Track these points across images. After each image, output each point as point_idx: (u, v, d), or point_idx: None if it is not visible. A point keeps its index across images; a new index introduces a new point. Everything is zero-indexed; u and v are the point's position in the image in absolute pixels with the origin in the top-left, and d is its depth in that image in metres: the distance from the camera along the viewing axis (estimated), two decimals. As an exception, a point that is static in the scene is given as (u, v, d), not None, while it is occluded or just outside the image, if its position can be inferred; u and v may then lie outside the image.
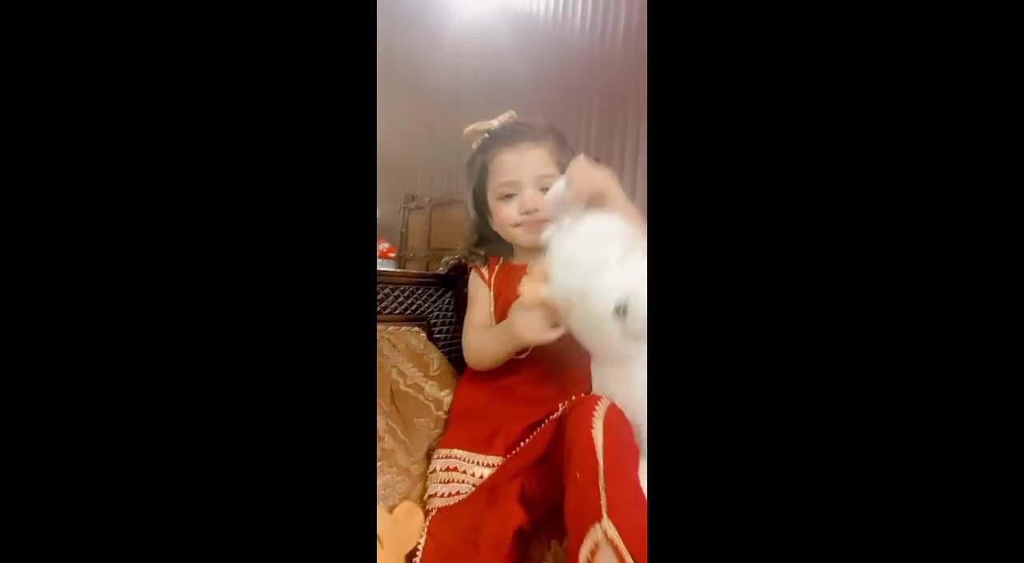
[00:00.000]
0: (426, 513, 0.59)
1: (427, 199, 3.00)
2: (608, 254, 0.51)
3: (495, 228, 0.72)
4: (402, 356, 0.74)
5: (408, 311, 0.82)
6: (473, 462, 0.61)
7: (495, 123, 0.73)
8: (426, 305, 0.84)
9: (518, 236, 0.70)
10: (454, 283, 0.86)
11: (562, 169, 0.66)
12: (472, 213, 0.75)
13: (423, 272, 0.88)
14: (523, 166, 0.68)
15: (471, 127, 0.73)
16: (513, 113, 0.74)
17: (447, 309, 0.85)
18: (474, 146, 0.73)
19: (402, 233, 3.16)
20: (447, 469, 0.61)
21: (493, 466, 0.60)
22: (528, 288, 0.55)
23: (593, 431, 0.49)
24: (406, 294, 0.81)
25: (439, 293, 0.85)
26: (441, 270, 0.86)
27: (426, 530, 0.57)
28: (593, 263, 0.51)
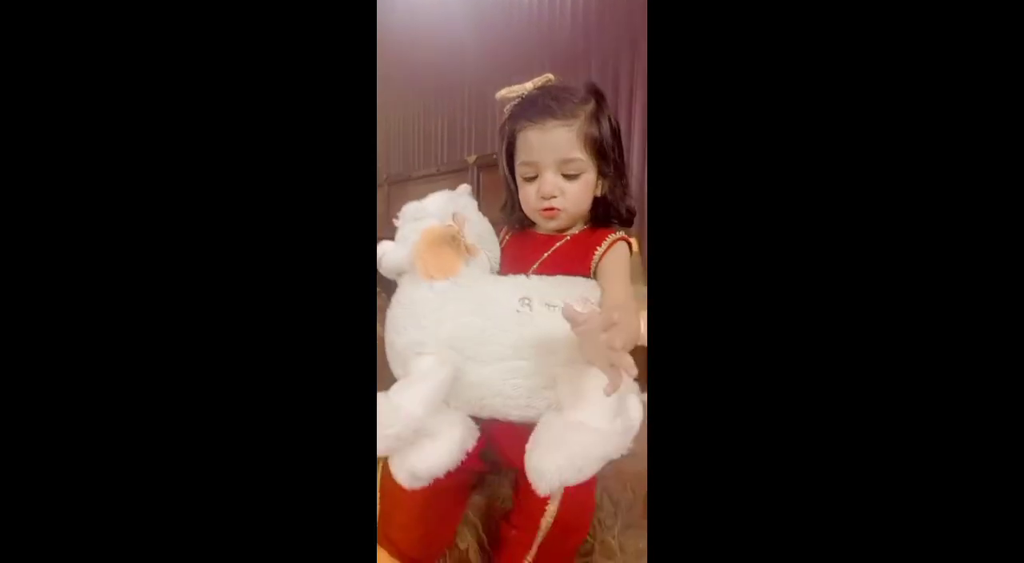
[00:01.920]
0: None
1: (384, 176, 2.97)
2: None
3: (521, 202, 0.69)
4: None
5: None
6: None
7: (529, 86, 0.67)
8: (381, 258, 0.85)
9: (536, 220, 0.69)
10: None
11: (591, 148, 0.63)
12: (507, 178, 0.71)
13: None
14: (545, 147, 0.63)
15: (503, 91, 0.68)
16: (551, 77, 0.67)
17: (402, 262, 0.87)
18: (506, 111, 0.68)
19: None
20: None
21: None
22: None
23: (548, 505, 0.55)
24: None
25: (394, 246, 0.87)
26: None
27: (380, 467, 0.61)
28: None
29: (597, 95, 0.66)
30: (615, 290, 0.64)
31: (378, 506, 0.60)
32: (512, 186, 0.70)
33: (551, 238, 0.69)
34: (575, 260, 0.67)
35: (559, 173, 0.63)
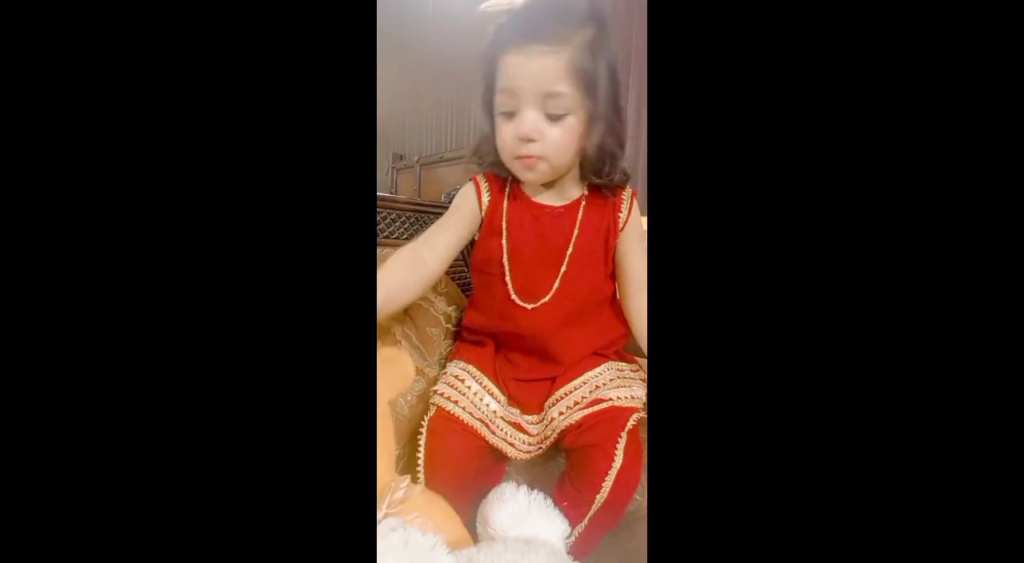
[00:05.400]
0: (429, 406, 0.64)
1: (416, 158, 2.99)
2: None
3: (498, 145, 0.58)
4: (411, 275, 0.79)
5: (411, 235, 0.85)
6: (477, 381, 0.65)
7: (518, 2, 0.56)
8: (429, 231, 0.88)
9: (515, 169, 0.58)
10: (455, 211, 0.90)
11: (581, 84, 0.53)
12: (481, 117, 0.61)
13: (424, 200, 0.92)
14: (528, 76, 0.52)
15: (487, 4, 0.62)
16: None
17: (449, 235, 0.90)
18: (489, 32, 0.58)
19: (391, 193, 3.15)
20: (456, 376, 0.65)
21: (490, 391, 0.64)
22: None
23: (615, 451, 0.54)
24: (411, 220, 0.85)
25: (441, 220, 0.89)
26: (443, 200, 0.90)
27: (426, 425, 0.60)
28: None
29: (599, 21, 0.54)
30: (644, 274, 0.60)
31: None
32: (488, 124, 0.59)
33: (567, 210, 0.61)
34: (600, 237, 0.61)
35: (542, 111, 0.53)
